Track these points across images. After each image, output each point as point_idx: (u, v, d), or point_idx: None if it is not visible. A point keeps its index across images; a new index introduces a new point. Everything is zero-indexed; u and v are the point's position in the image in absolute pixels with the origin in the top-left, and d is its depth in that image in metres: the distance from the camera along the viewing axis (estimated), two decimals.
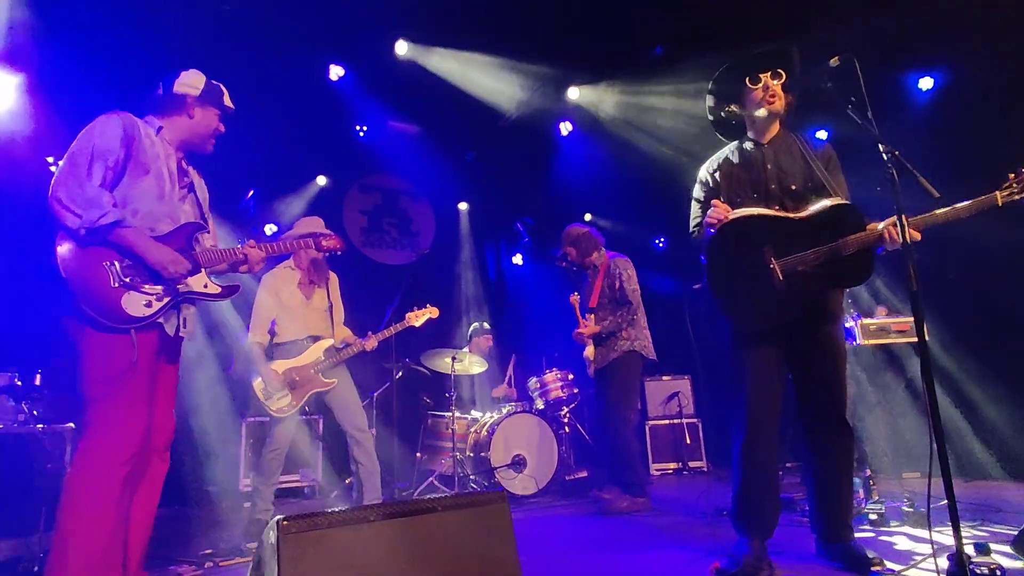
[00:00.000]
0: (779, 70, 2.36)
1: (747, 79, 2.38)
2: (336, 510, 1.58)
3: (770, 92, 2.34)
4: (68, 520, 1.95)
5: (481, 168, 7.32)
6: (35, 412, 3.03)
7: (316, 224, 3.71)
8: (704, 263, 2.37)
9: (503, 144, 6.92)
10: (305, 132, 6.15)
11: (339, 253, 2.92)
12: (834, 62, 2.20)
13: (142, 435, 2.08)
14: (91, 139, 2.14)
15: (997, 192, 2.01)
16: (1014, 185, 1.99)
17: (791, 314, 2.21)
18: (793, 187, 2.30)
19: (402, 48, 5.54)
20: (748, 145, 2.46)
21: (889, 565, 2.22)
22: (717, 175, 2.49)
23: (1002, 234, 4.02)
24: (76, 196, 2.04)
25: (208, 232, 2.45)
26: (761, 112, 2.38)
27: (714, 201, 2.31)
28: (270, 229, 6.22)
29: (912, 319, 2.73)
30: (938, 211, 2.06)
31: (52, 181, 2.08)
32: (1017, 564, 2.17)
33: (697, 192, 2.57)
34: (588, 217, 8.22)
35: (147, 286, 2.14)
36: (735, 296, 2.32)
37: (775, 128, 2.43)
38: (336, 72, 5.69)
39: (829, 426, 2.34)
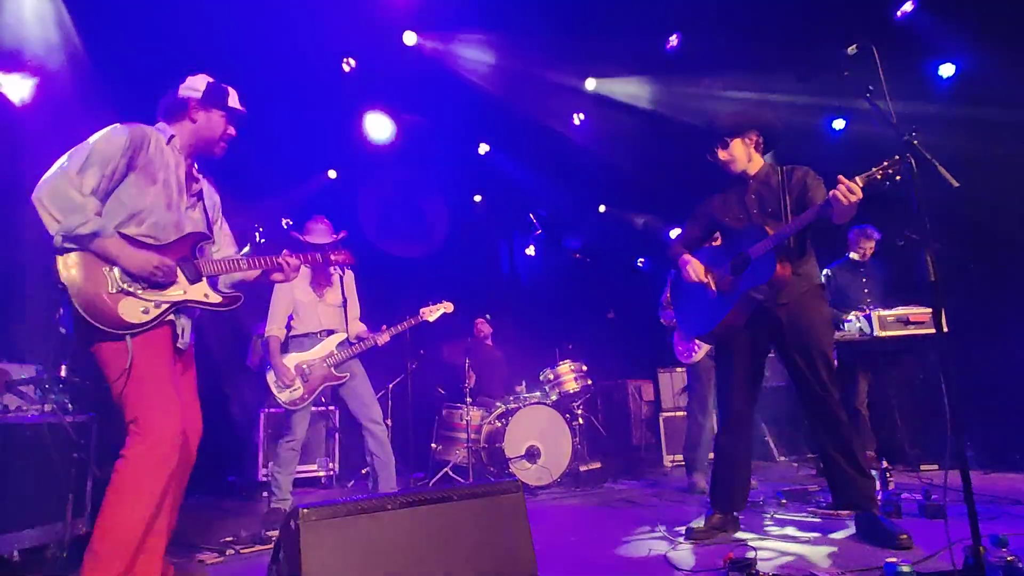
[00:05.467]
0: (724, 140, 2.88)
1: (714, 152, 2.95)
2: (355, 498, 1.61)
3: (723, 161, 2.92)
4: (112, 505, 1.95)
5: (494, 160, 7.31)
6: (61, 402, 3.09)
7: (323, 229, 3.79)
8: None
9: (517, 135, 6.90)
10: (316, 125, 6.17)
11: (347, 267, 2.88)
12: (852, 50, 2.18)
13: (180, 427, 2.07)
14: (93, 144, 2.06)
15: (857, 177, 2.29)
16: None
17: (724, 315, 2.79)
18: (769, 209, 2.86)
19: (411, 38, 5.53)
20: (738, 178, 2.98)
21: (905, 556, 2.21)
22: (713, 202, 3.04)
23: None
24: (59, 200, 1.95)
25: (212, 242, 2.41)
26: (731, 170, 2.93)
27: (693, 264, 2.93)
28: (285, 223, 6.25)
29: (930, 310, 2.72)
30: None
31: (41, 179, 1.98)
32: None
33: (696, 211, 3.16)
34: (602, 209, 8.19)
35: (146, 292, 2.08)
36: (684, 310, 3.12)
37: (756, 166, 2.93)
38: (348, 64, 5.70)
39: (812, 416, 2.70)
